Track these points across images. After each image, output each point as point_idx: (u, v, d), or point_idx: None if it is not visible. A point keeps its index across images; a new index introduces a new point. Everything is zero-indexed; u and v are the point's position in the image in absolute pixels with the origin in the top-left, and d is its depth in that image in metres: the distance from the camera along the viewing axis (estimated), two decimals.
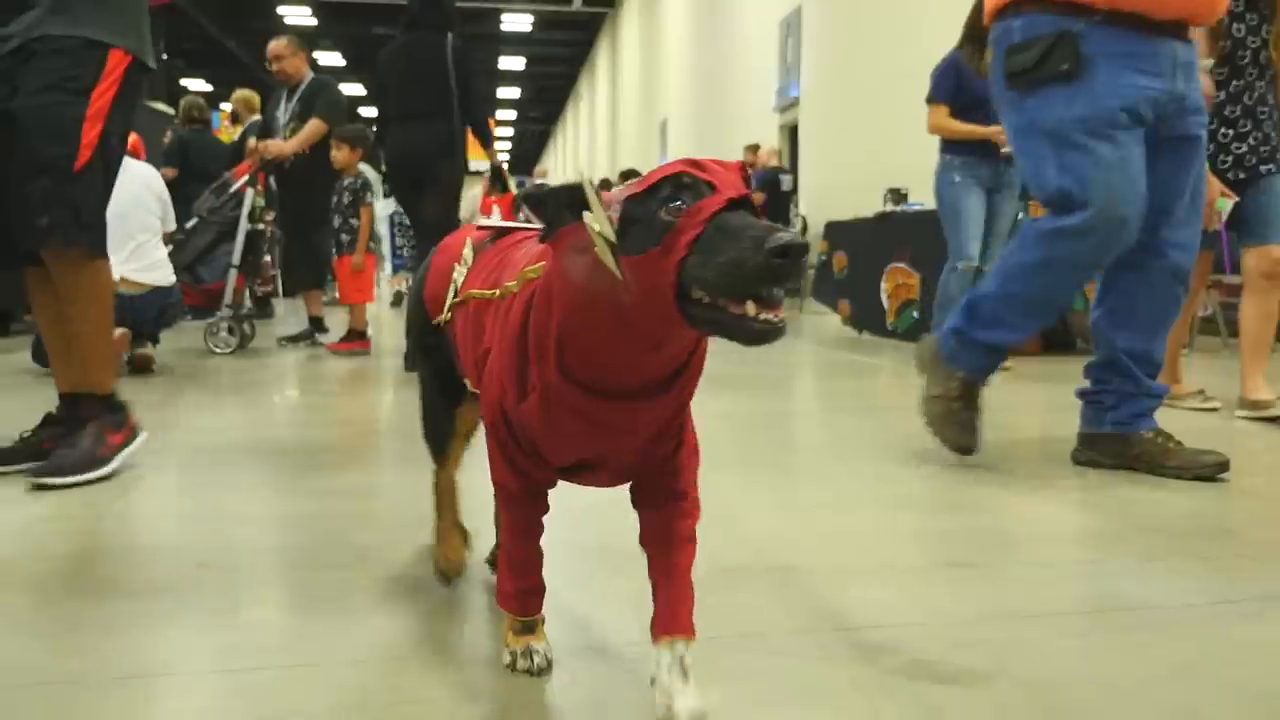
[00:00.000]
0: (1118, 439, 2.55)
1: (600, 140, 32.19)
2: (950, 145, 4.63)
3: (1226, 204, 3.31)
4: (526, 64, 32.78)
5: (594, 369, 0.95)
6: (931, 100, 4.66)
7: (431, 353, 1.39)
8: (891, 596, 1.58)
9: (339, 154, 5.48)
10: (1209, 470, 2.42)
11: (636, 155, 25.52)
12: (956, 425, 2.60)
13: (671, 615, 1.08)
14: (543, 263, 1.03)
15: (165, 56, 18.90)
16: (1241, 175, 3.37)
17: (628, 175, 12.01)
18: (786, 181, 9.70)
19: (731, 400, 3.79)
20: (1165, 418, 2.65)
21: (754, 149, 10.47)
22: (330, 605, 1.53)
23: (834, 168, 12.41)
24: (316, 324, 5.85)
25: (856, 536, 1.96)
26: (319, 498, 2.29)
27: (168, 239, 4.68)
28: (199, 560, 1.77)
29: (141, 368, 4.42)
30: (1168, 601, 1.55)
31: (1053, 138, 2.36)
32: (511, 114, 39.88)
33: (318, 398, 4.08)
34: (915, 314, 5.83)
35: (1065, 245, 2.39)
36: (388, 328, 7.38)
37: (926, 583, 1.66)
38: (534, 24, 28.23)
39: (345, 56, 28.62)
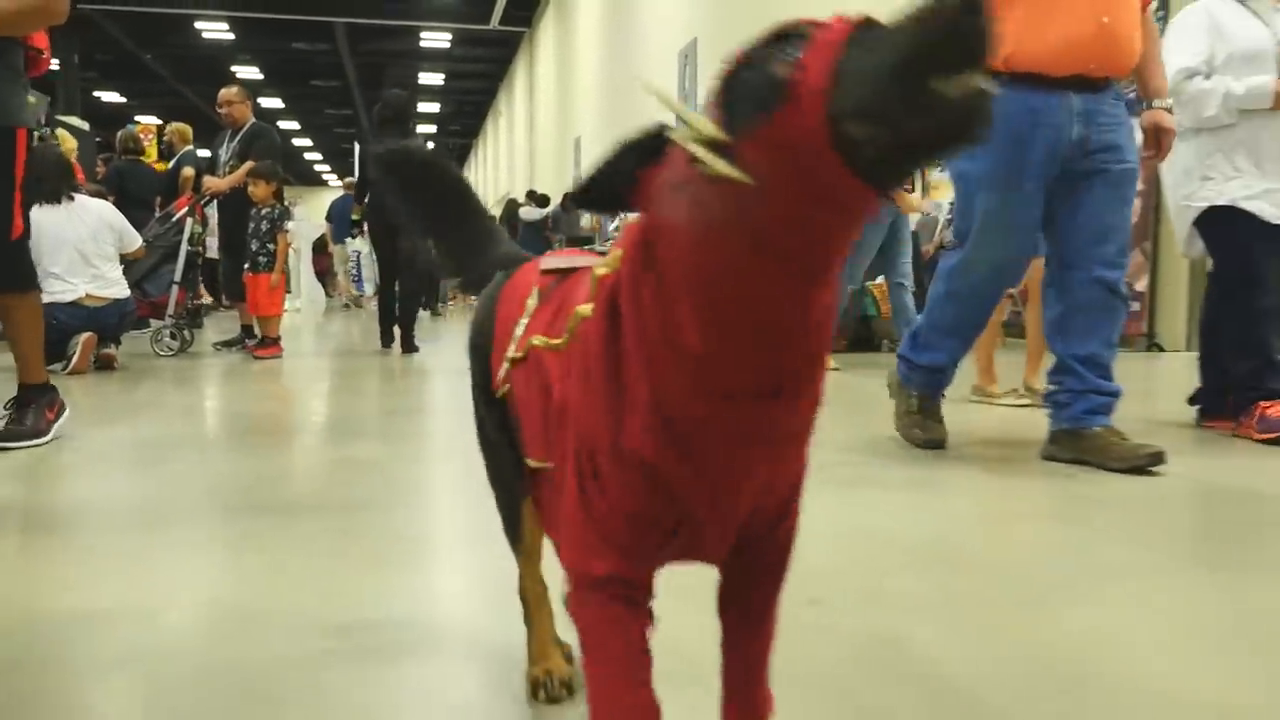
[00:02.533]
0: (1073, 434, 2.79)
1: (519, 155, 33.00)
2: None
3: None
4: (446, 79, 33.49)
5: (731, 350, 0.70)
6: None
7: (491, 431, 1.12)
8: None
9: (256, 189, 6.40)
10: (1144, 462, 2.65)
11: (553, 172, 26.44)
12: (921, 429, 3.01)
13: (755, 701, 0.90)
14: (614, 259, 0.79)
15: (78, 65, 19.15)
16: None
17: (532, 196, 12.96)
18: None
19: None
20: (982, 413, 3.57)
21: None
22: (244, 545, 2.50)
23: None
24: (247, 331, 6.74)
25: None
26: (245, 456, 3.25)
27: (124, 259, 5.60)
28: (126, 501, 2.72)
29: (105, 365, 5.33)
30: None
31: (959, 183, 2.81)
32: (432, 128, 40.47)
33: (244, 387, 5.01)
34: None
35: (958, 279, 2.80)
36: (305, 333, 8.27)
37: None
38: (453, 41, 28.99)
39: (263, 70, 29.02)
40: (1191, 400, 3.57)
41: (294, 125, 35.72)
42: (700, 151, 0.66)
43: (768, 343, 0.70)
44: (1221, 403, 3.43)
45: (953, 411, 3.25)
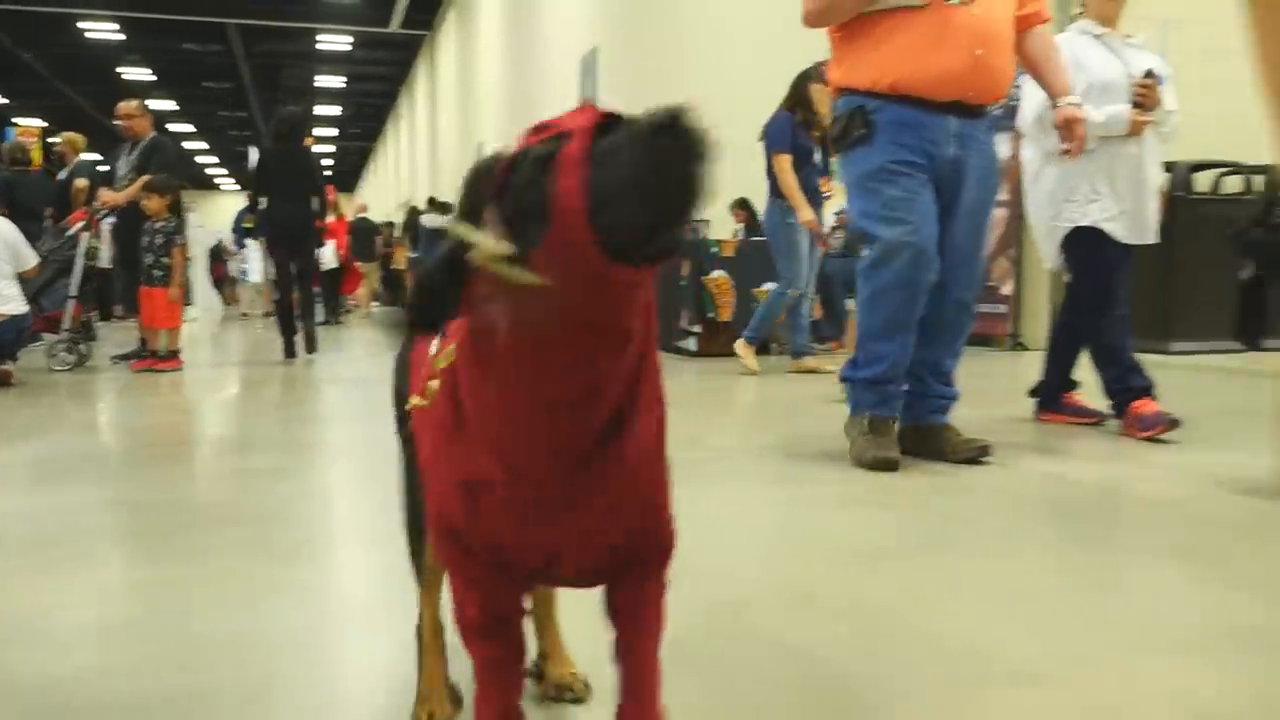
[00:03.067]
0: (915, 430, 3.07)
1: (421, 159, 32.78)
2: (782, 193, 5.55)
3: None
4: (347, 82, 33.05)
5: (546, 416, 0.82)
6: (776, 151, 5.50)
7: (410, 453, 1.19)
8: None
9: (149, 203, 6.38)
10: (974, 454, 2.93)
11: (455, 177, 26.37)
12: (873, 449, 2.93)
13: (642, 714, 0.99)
14: (450, 353, 0.90)
15: None
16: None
17: (434, 203, 13.01)
18: None
19: None
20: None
21: None
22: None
23: None
24: (145, 345, 6.71)
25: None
26: (144, 470, 3.35)
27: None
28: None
29: (3, 382, 5.30)
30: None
31: (857, 187, 2.89)
32: (333, 131, 39.82)
33: (143, 400, 5.05)
34: None
35: (877, 276, 2.84)
36: (202, 344, 8.22)
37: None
38: (353, 44, 28.65)
39: (155, 72, 28.22)
40: (1032, 392, 3.92)
41: (187, 128, 34.78)
42: (498, 267, 0.75)
43: (582, 404, 0.81)
44: (1057, 399, 3.79)
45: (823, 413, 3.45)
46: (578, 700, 1.31)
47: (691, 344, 6.52)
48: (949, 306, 2.95)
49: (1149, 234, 3.57)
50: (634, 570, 0.97)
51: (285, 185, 7.04)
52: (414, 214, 13.53)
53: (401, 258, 14.07)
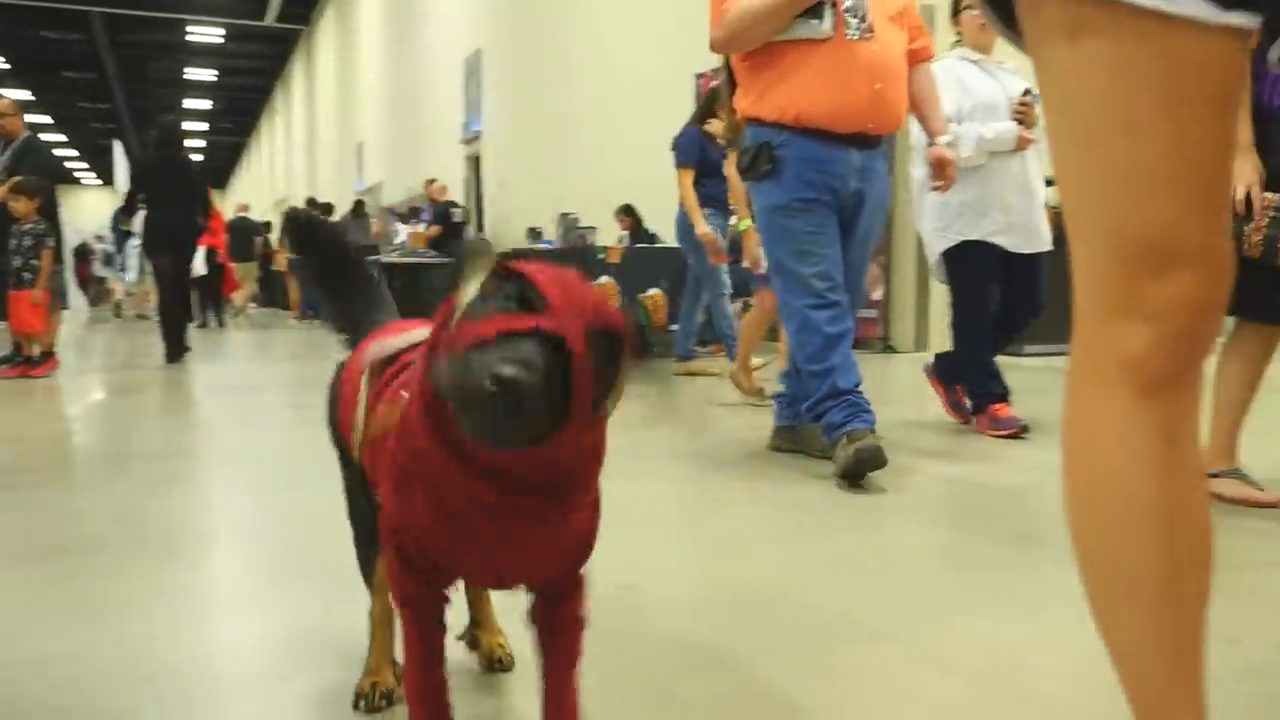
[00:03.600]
0: (792, 429, 3.24)
1: (298, 156, 31.97)
2: (699, 200, 5.45)
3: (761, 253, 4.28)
4: (218, 75, 31.97)
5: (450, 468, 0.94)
6: (682, 166, 5.48)
7: (353, 487, 1.34)
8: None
9: (17, 205, 6.17)
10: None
11: (335, 175, 25.87)
12: (855, 446, 2.81)
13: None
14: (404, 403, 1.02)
15: None
16: None
17: (313, 204, 12.82)
18: (458, 214, 11.00)
19: None
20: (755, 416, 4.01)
21: (429, 183, 11.71)
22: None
23: (511, 198, 13.92)
24: (18, 350, 6.47)
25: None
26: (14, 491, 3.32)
27: None
28: None
29: None
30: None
31: (765, 219, 3.00)
32: (203, 125, 38.41)
33: (15, 408, 4.91)
34: None
35: (802, 313, 2.92)
36: (69, 347, 7.94)
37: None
38: (225, 36, 27.76)
39: (9, 60, 26.74)
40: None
41: (44, 119, 32.98)
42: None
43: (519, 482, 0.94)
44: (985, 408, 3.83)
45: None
46: (505, 669, 1.48)
47: None
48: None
49: (1042, 242, 3.78)
50: (555, 616, 1.11)
51: (166, 192, 7.19)
52: (313, 206, 13.26)
53: (283, 260, 13.78)
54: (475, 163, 15.60)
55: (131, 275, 13.03)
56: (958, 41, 3.91)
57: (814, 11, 2.80)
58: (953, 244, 3.73)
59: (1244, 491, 2.52)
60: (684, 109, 9.91)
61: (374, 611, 1.39)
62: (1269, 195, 2.39)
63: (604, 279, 6.58)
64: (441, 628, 1.10)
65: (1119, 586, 0.90)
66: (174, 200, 7.22)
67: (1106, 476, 0.90)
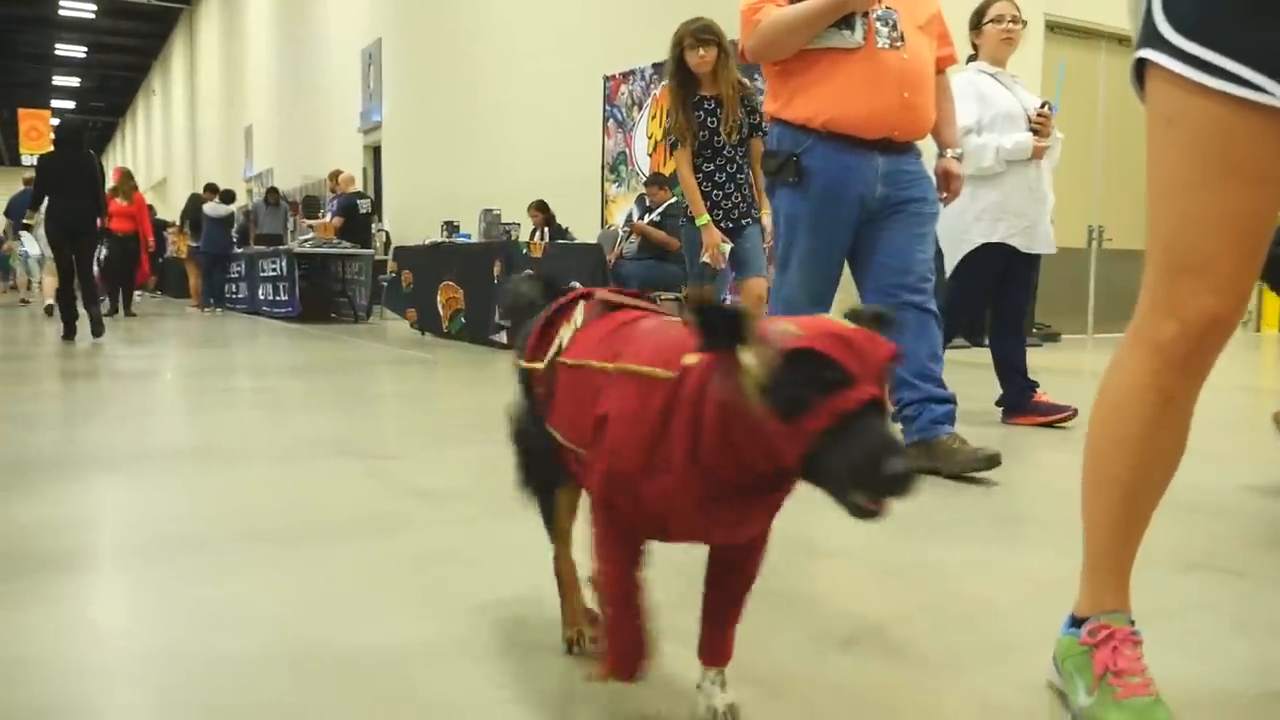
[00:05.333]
0: (922, 445, 2.93)
1: (179, 138, 30.90)
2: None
3: (725, 248, 4.26)
4: (89, 52, 30.61)
5: (725, 463, 1.01)
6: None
7: (530, 430, 1.41)
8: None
9: None
10: (984, 464, 2.83)
11: (220, 159, 25.17)
12: (969, 451, 2.88)
13: (721, 650, 1.26)
14: (695, 356, 1.05)
15: None
16: (730, 225, 4.35)
17: (215, 190, 12.65)
18: (365, 205, 11.08)
19: (332, 381, 5.26)
20: None
21: (335, 175, 11.71)
22: None
23: (413, 189, 13.97)
24: None
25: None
26: None
27: None
28: None
29: None
30: None
31: (785, 223, 3.02)
32: (69, 103, 36.63)
33: None
34: (463, 319, 7.63)
35: (781, 301, 3.04)
36: None
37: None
38: (98, 12, 26.63)
39: None
40: (998, 402, 4.09)
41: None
42: (749, 381, 0.95)
43: (742, 467, 1.02)
44: (1021, 403, 4.00)
45: None
46: (584, 653, 1.51)
47: (503, 337, 7.00)
48: (911, 313, 2.96)
49: (1048, 245, 3.99)
50: (735, 564, 1.24)
51: (68, 187, 7.76)
52: (196, 201, 13.00)
53: (184, 246, 13.49)
54: (375, 153, 15.58)
55: (36, 250, 12.73)
56: (973, 56, 4.06)
57: (845, 22, 2.85)
58: (973, 248, 3.93)
59: None
60: (592, 109, 10.27)
61: (560, 567, 1.51)
62: None
63: (528, 273, 6.88)
64: (642, 559, 1.20)
65: (1103, 479, 1.31)
66: (73, 194, 7.76)
67: (1117, 409, 1.29)
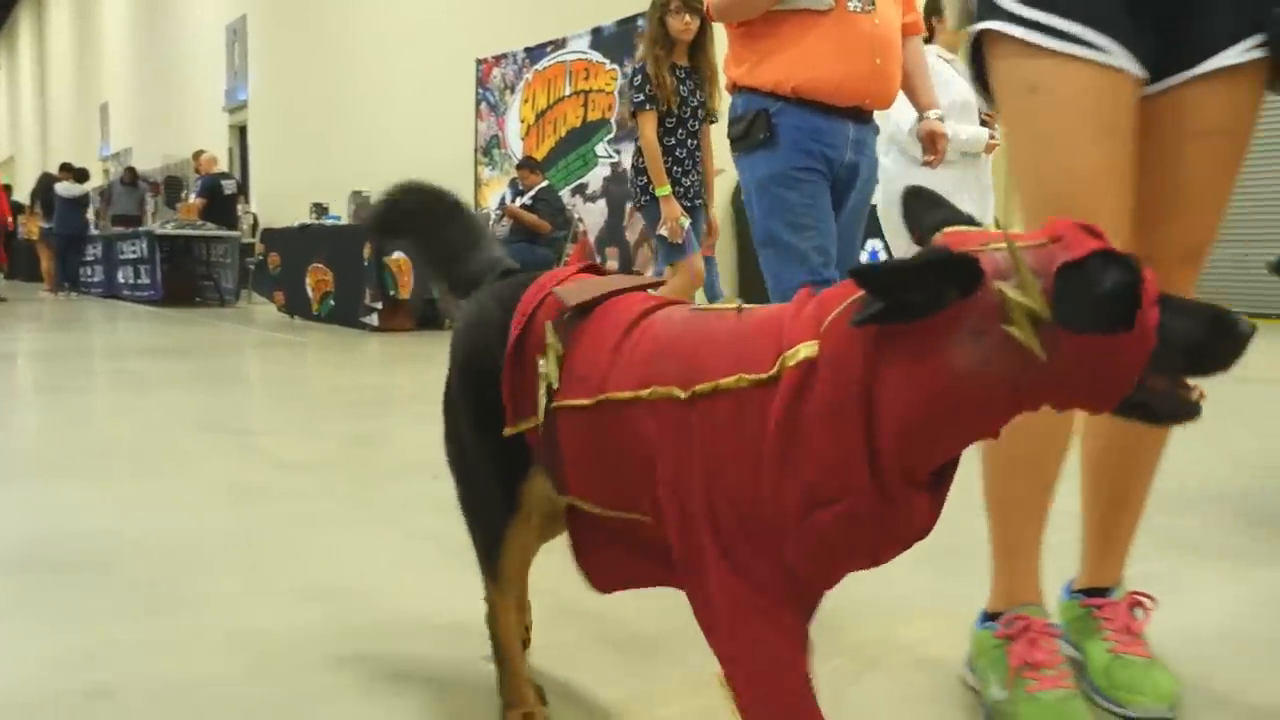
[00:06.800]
0: None
1: (27, 115, 29.17)
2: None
3: (685, 222, 4.06)
4: None
5: (916, 461, 0.82)
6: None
7: (479, 460, 1.12)
8: None
9: None
10: None
11: (72, 137, 23.91)
12: None
13: None
14: (812, 341, 0.82)
15: None
16: (687, 204, 4.13)
17: (69, 169, 12.07)
18: (229, 186, 10.79)
19: (196, 363, 5.19)
20: None
21: (198, 155, 11.38)
22: None
23: (282, 171, 13.65)
24: None
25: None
26: None
27: None
28: None
29: None
30: None
31: (759, 191, 2.85)
32: None
33: None
34: (332, 302, 7.58)
35: (791, 277, 2.79)
36: None
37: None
38: None
39: None
40: None
41: None
42: (1021, 319, 0.76)
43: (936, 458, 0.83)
44: None
45: None
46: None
47: (374, 319, 6.97)
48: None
49: None
50: None
51: None
52: (47, 180, 12.36)
53: (35, 228, 12.81)
54: (241, 132, 15.14)
55: None
56: (928, 38, 3.94)
57: None
58: None
59: None
60: (465, 92, 10.24)
61: (500, 622, 1.16)
62: None
63: (398, 254, 6.90)
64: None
65: (1000, 463, 1.26)
66: None
67: None
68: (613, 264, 9.41)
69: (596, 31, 9.68)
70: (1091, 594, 1.34)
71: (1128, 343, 0.76)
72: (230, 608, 1.59)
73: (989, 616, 1.28)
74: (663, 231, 4.03)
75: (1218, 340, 0.78)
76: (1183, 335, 0.77)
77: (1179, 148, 1.17)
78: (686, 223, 4.01)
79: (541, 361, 1.01)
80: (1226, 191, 1.21)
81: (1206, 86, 1.16)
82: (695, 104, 4.12)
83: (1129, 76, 1.15)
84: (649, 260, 8.14)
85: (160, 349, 6.15)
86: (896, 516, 0.83)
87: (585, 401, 0.95)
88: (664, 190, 4.02)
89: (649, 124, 4.08)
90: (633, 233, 9.23)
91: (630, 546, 1.01)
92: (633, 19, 9.12)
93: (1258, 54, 1.14)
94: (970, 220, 0.89)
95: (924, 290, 0.77)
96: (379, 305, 6.98)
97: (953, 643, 1.35)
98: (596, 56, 9.82)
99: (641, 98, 4.04)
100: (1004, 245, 0.79)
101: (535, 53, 9.82)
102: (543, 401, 1.00)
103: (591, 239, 9.01)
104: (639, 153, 4.14)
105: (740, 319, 0.89)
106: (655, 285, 1.08)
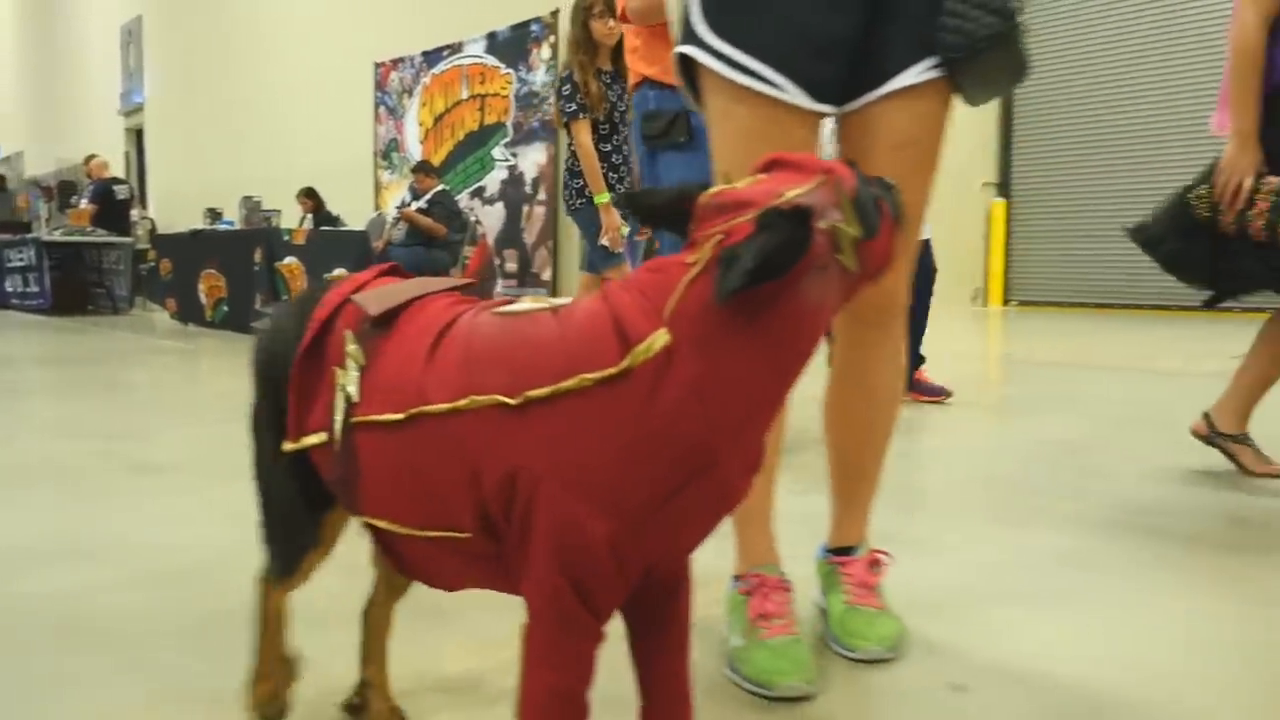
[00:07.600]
0: None
1: None
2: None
3: (625, 230, 4.00)
4: None
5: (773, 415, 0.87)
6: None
7: (277, 473, 1.03)
8: None
9: None
10: None
11: None
12: None
13: None
14: (661, 330, 0.81)
15: None
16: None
17: None
18: (122, 191, 10.56)
19: (82, 370, 5.12)
20: None
21: (89, 159, 11.12)
22: None
23: (179, 175, 13.39)
24: None
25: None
26: None
27: None
28: None
29: None
30: None
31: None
32: None
33: None
34: (226, 308, 7.51)
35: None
36: None
37: None
38: None
39: None
40: None
41: None
42: (847, 245, 0.86)
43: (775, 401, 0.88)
44: (910, 379, 3.86)
45: None
46: None
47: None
48: None
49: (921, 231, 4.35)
50: (666, 608, 0.97)
51: None
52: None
53: None
54: (138, 136, 14.80)
55: None
56: None
57: None
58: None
59: (1267, 466, 2.54)
60: (363, 96, 10.23)
61: (268, 602, 1.11)
62: (1271, 179, 2.38)
63: (289, 259, 6.88)
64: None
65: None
66: None
67: None
68: (511, 265, 9.50)
69: (492, 36, 9.78)
70: (838, 552, 1.49)
71: (889, 226, 0.90)
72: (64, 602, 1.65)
73: (737, 578, 1.44)
74: (604, 241, 3.98)
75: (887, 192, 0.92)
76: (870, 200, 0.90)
77: (875, 156, 1.33)
78: (626, 230, 3.98)
79: (340, 373, 0.95)
80: (922, 190, 1.39)
81: (892, 104, 1.33)
82: (624, 108, 4.05)
83: (801, 110, 1.30)
84: (546, 262, 8.25)
85: (44, 358, 6.03)
86: (745, 483, 0.87)
87: (395, 416, 0.89)
88: (603, 198, 3.95)
89: (583, 132, 4.01)
90: (530, 234, 9.32)
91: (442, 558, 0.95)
92: (527, 24, 9.23)
93: (934, 74, 1.31)
94: (703, 186, 0.91)
95: (786, 249, 0.80)
96: (270, 310, 6.96)
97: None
98: (492, 61, 9.91)
99: (574, 107, 3.97)
100: (798, 189, 0.85)
101: (432, 57, 9.86)
102: (339, 416, 0.93)
103: (490, 241, 9.09)
104: (574, 156, 4.08)
105: (558, 319, 0.86)
106: (465, 287, 1.02)
